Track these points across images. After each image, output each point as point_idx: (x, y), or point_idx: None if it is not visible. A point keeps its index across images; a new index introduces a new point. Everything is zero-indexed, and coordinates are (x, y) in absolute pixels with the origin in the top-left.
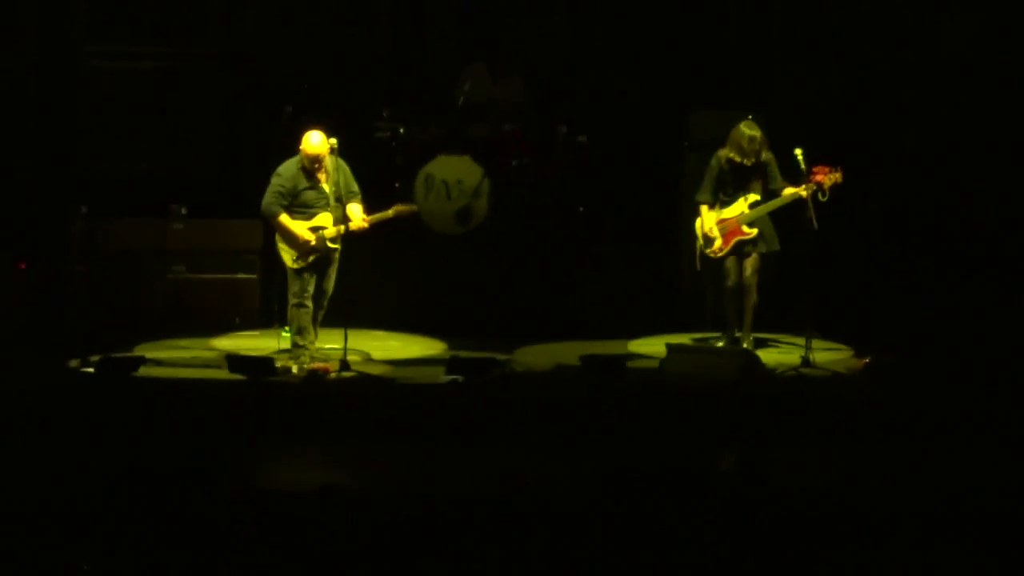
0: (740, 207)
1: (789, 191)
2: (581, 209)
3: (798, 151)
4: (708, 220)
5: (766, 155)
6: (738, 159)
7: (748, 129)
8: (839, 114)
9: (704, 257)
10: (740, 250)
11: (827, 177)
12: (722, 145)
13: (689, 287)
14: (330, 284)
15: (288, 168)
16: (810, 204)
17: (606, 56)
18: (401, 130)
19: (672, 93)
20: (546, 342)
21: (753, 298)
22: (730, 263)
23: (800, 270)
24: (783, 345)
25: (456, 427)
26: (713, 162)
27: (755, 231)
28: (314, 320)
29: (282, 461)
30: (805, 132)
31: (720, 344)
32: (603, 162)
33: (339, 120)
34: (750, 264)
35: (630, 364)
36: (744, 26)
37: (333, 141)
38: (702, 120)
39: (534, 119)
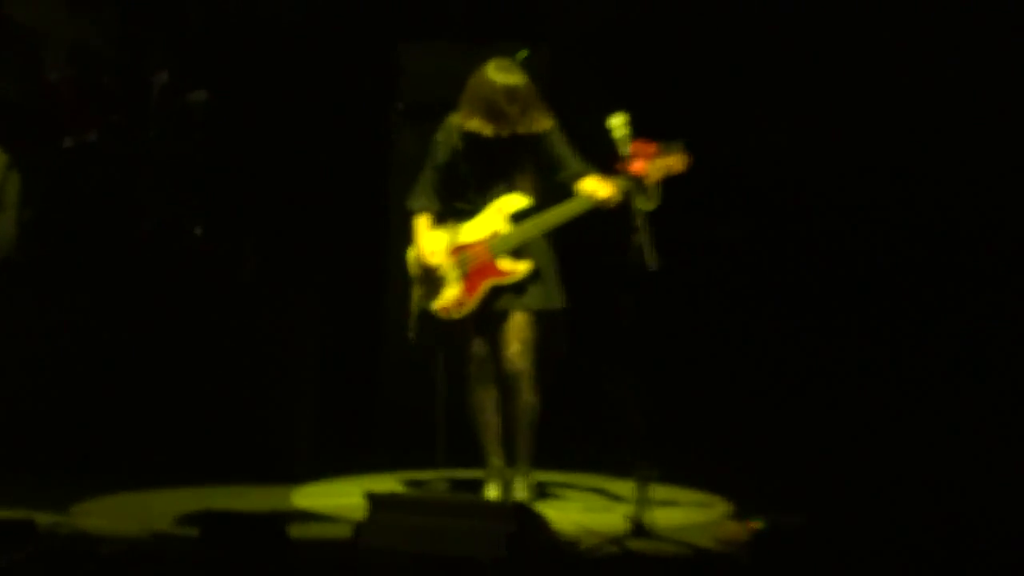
0: (492, 221)
1: (588, 187)
2: (199, 231)
3: (615, 119)
4: (431, 245)
5: (539, 120)
6: (485, 129)
7: (500, 73)
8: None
9: (427, 319)
10: (493, 306)
11: (653, 162)
12: (455, 107)
13: (402, 376)
14: None
15: None
16: (637, 217)
17: None
18: None
19: (372, 21)
20: (129, 490)
21: (527, 398)
22: (478, 331)
23: (617, 349)
24: (591, 494)
25: None
26: (439, 136)
27: (522, 268)
28: None
29: None
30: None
31: (463, 491)
32: (243, 140)
33: None
34: (516, 333)
35: (294, 531)
36: None
37: None
38: (421, 59)
39: (112, 64)
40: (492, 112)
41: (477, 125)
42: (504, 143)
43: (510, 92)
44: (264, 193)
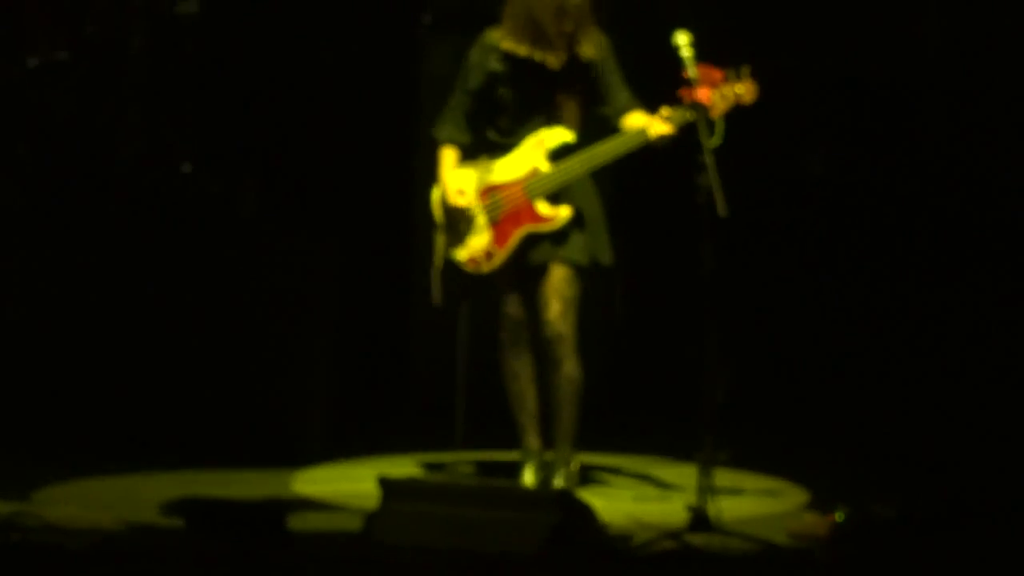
0: (529, 158)
1: (637, 123)
2: (187, 168)
3: (682, 36)
4: (457, 183)
5: (590, 43)
6: (526, 51)
7: None
8: None
9: (452, 273)
10: (529, 259)
11: (720, 90)
12: (493, 18)
13: (429, 340)
14: None
15: None
16: (705, 153)
17: None
18: None
19: None
20: (103, 474)
21: (569, 368)
22: (511, 289)
23: (680, 312)
24: (644, 481)
25: None
26: (473, 56)
27: (563, 214)
28: None
29: None
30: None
31: (494, 476)
32: (242, 58)
33: None
34: (556, 291)
35: (294, 523)
36: None
37: None
38: None
39: None
40: (537, 32)
41: (517, 46)
42: (550, 68)
43: (561, 7)
44: (268, 122)
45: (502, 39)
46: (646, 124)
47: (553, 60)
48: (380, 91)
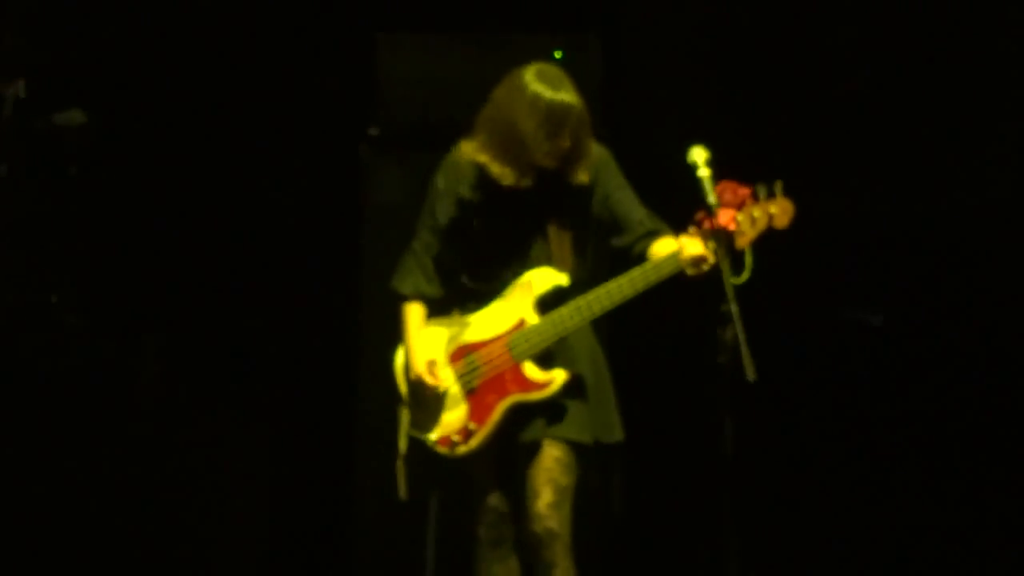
0: (514, 307)
1: (659, 253)
2: (54, 298)
3: (697, 153)
4: (425, 345)
5: (590, 163)
6: (509, 177)
7: (546, 86)
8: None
9: (419, 453)
10: (515, 437)
11: (746, 213)
12: (464, 132)
13: (382, 535)
14: None
15: None
16: (729, 300)
17: None
18: None
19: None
20: None
21: (562, 568)
22: (493, 475)
23: (693, 501)
24: None
25: None
26: (440, 179)
27: (559, 379)
28: None
29: None
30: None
31: None
32: (140, 182)
33: None
34: (548, 477)
35: None
36: None
37: None
38: (402, 60)
39: None
40: (521, 148)
41: (494, 163)
42: (540, 191)
43: (559, 120)
44: (172, 262)
45: (476, 152)
46: (664, 256)
47: (533, 184)
48: (315, 221)
